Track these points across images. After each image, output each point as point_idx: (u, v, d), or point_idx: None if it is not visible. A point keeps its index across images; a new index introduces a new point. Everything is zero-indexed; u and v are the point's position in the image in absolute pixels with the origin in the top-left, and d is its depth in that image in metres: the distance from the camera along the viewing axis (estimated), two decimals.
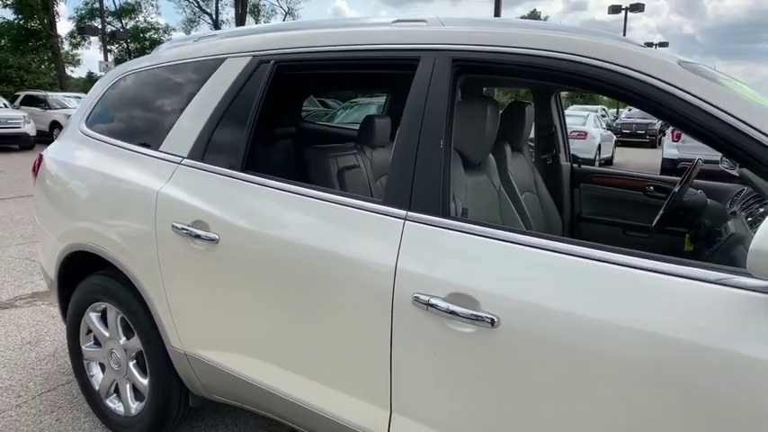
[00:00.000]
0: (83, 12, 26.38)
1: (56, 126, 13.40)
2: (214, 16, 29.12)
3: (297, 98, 2.99)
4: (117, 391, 2.11)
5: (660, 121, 15.45)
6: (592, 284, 1.08)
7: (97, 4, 23.10)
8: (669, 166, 9.41)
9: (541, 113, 2.54)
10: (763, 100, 1.13)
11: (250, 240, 1.54)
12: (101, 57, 21.77)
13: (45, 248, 2.25)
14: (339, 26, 1.64)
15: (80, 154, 2.15)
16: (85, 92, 16.08)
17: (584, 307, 1.07)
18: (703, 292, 0.98)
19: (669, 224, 1.83)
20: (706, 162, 7.28)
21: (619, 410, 1.03)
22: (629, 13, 27.38)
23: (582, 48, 1.20)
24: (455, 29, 1.39)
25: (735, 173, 1.96)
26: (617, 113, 25.74)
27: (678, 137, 9.43)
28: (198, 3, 29.82)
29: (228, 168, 1.67)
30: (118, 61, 21.46)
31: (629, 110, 27.23)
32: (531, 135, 2.65)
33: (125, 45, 26.46)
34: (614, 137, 13.55)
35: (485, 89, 2.75)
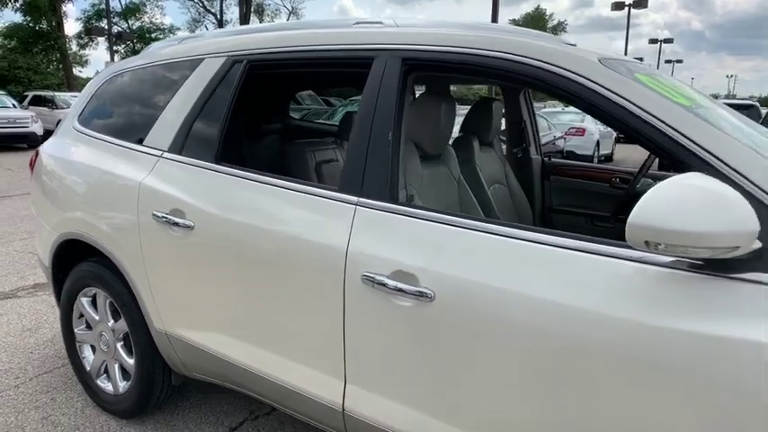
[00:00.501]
0: (90, 13, 26.73)
1: None
2: (219, 16, 29.35)
3: (282, 96, 3.12)
4: (107, 371, 2.25)
5: None
6: (521, 262, 1.19)
7: (104, 5, 23.40)
8: (666, 161, 9.46)
9: (511, 109, 2.65)
10: (679, 97, 1.23)
11: (220, 227, 1.66)
12: (108, 57, 22.03)
13: (40, 238, 2.39)
14: (304, 28, 1.76)
15: (73, 149, 2.29)
16: None
17: (513, 282, 1.18)
18: (611, 267, 1.09)
19: (625, 213, 1.94)
20: None
21: (540, 372, 1.15)
22: (635, 10, 27.32)
23: (514, 47, 1.31)
24: (405, 30, 1.51)
25: None
26: None
27: None
28: (203, 3, 30.10)
29: (203, 160, 1.80)
30: None
31: None
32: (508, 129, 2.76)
33: (131, 45, 26.75)
34: (614, 134, 13.56)
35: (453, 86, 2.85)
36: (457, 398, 1.28)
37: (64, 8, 24.91)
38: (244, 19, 29.55)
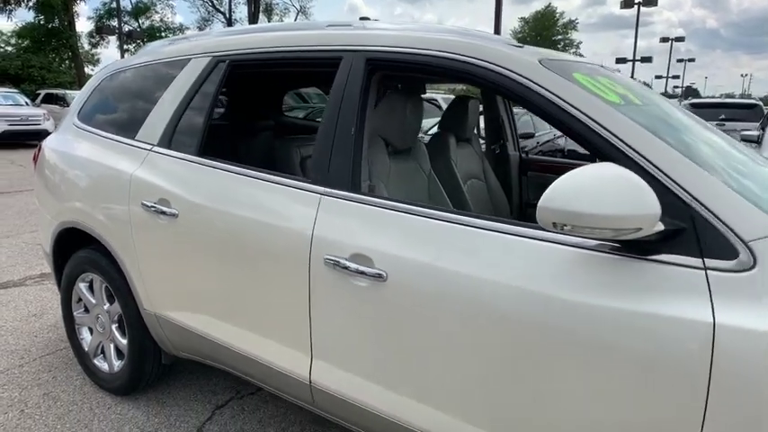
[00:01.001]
0: (101, 12, 27.12)
1: None
2: (228, 15, 29.60)
3: (272, 95, 3.25)
4: (103, 351, 2.40)
5: None
6: (465, 245, 1.31)
7: (115, 5, 23.75)
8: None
9: (489, 107, 2.76)
10: (611, 95, 1.34)
11: (201, 215, 1.80)
12: (119, 56, 22.35)
13: (42, 227, 2.55)
14: (282, 30, 1.89)
15: (72, 144, 2.44)
16: None
17: (456, 263, 1.30)
18: (546, 250, 1.20)
19: None
20: None
21: (480, 345, 1.26)
22: (647, 8, 27.14)
23: (463, 48, 1.43)
24: (368, 32, 1.63)
25: None
26: None
27: None
28: (212, 2, 30.39)
29: (188, 153, 1.94)
30: None
31: None
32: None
33: (142, 44, 27.14)
34: None
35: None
36: (408, 370, 1.40)
37: (76, 7, 25.33)
38: (252, 18, 29.79)
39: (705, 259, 1.05)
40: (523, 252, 1.23)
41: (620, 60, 28.35)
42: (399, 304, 1.37)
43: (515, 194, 2.76)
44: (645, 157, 1.14)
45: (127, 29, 25.33)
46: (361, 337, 1.47)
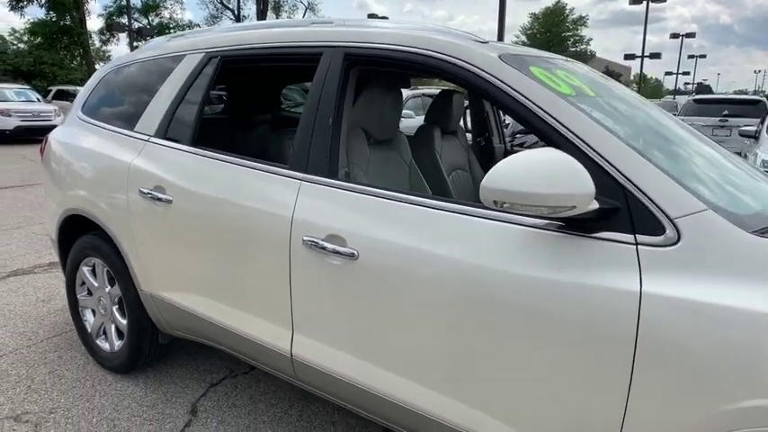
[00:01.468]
0: (111, 9, 27.47)
1: None
2: (236, 12, 29.79)
3: (269, 90, 3.37)
4: (104, 332, 2.54)
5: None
6: (430, 227, 1.42)
7: (125, 2, 24.00)
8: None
9: (474, 101, 2.85)
10: (564, 87, 1.44)
11: (193, 200, 1.93)
12: (129, 52, 22.57)
13: (48, 215, 2.69)
14: (270, 27, 2.01)
15: (77, 136, 2.57)
16: None
17: (422, 242, 1.41)
18: (503, 230, 1.31)
19: None
20: None
21: (444, 317, 1.37)
22: (656, 4, 26.94)
23: (430, 44, 1.53)
24: (346, 29, 1.74)
25: None
26: None
27: None
28: None
29: (182, 143, 2.06)
30: None
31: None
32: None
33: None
34: None
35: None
36: (377, 342, 1.51)
37: (87, 5, 25.67)
38: (261, 15, 29.96)
39: (637, 235, 1.15)
40: (481, 231, 1.34)
41: (629, 57, 28.16)
42: (369, 281, 1.49)
43: None
44: (586, 143, 1.24)
45: (137, 26, 25.61)
46: (336, 312, 1.59)
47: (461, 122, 3.04)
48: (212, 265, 1.91)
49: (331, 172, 1.65)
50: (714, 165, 1.56)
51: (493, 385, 1.32)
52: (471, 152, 2.78)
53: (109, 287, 2.44)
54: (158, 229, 2.06)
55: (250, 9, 33.38)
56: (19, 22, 30.69)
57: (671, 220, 1.12)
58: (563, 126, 1.27)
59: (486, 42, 1.57)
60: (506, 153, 2.88)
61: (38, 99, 14.45)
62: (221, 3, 30.78)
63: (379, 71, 2.32)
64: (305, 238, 1.60)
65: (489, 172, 1.13)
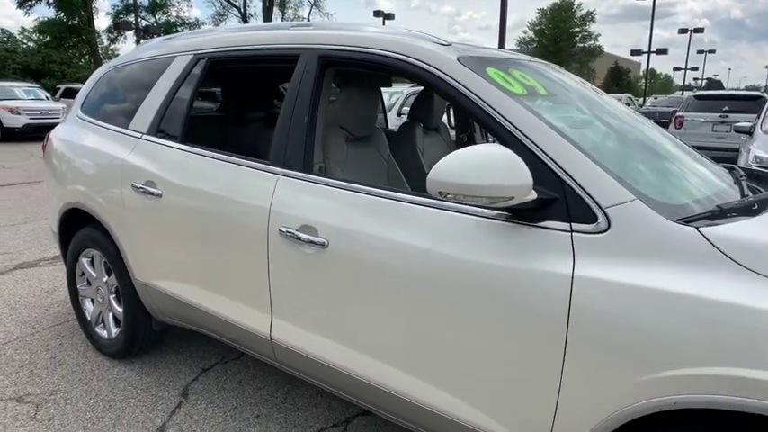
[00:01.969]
0: (119, 8, 27.74)
1: None
2: (242, 10, 29.97)
3: (260, 89, 3.49)
4: (103, 320, 2.68)
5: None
6: (393, 217, 1.53)
7: (132, 0, 24.26)
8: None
9: None
10: (517, 87, 1.54)
11: (180, 194, 2.05)
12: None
13: (50, 209, 2.83)
14: (254, 30, 2.12)
15: (76, 134, 2.71)
16: None
17: (385, 231, 1.52)
18: (457, 220, 1.41)
19: None
20: (705, 149, 7.43)
21: (406, 300, 1.48)
22: None
23: (394, 46, 1.64)
24: (321, 32, 1.85)
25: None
26: (642, 102, 25.28)
27: (680, 125, 9.50)
28: None
29: (172, 141, 2.19)
30: None
31: (655, 98, 26.68)
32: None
33: None
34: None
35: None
36: (349, 325, 1.63)
37: (94, 4, 25.97)
38: (267, 12, 30.11)
39: (572, 224, 1.25)
40: (440, 221, 1.44)
41: (635, 53, 27.99)
42: (338, 268, 1.60)
43: None
44: (529, 139, 1.34)
45: (144, 24, 25.86)
46: (309, 298, 1.70)
47: (446, 120, 3.14)
48: (199, 255, 2.03)
49: (306, 167, 1.76)
50: (659, 157, 1.66)
51: (448, 363, 1.43)
52: (454, 148, 2.88)
53: (106, 277, 2.58)
54: (150, 222, 2.19)
55: (256, 6, 33.60)
56: (27, 20, 31.11)
57: (602, 210, 1.23)
58: (510, 123, 1.38)
59: (449, 45, 1.67)
60: None
61: (46, 97, 14.69)
62: (227, 0, 30.98)
63: (355, 72, 2.43)
64: (281, 229, 1.71)
65: (435, 165, 1.24)
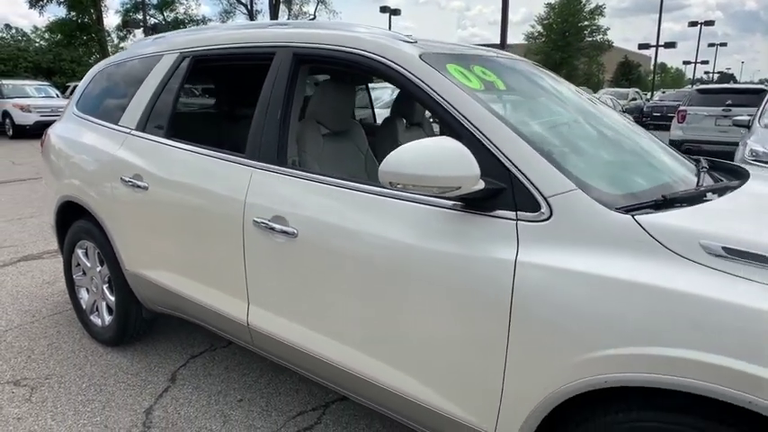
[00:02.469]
0: (128, 6, 28.02)
1: None
2: (249, 6, 30.11)
3: (250, 86, 3.58)
4: (97, 308, 2.79)
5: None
6: (357, 207, 1.60)
7: None
8: (675, 147, 9.46)
9: None
10: (474, 83, 1.60)
11: (164, 186, 2.14)
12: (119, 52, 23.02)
13: (47, 202, 2.94)
14: (234, 29, 2.20)
15: (71, 130, 2.81)
16: None
17: (350, 221, 1.60)
18: (413, 209, 1.48)
19: None
20: (708, 143, 7.46)
21: (368, 285, 1.55)
22: None
23: (359, 43, 1.71)
24: (294, 31, 1.93)
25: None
26: (651, 96, 25.05)
27: (683, 119, 9.45)
28: None
29: (158, 136, 2.28)
30: None
31: (663, 92, 26.42)
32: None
33: None
34: (631, 120, 13.46)
35: None
36: (318, 310, 1.71)
37: (104, 2, 26.27)
38: (273, 9, 30.21)
39: (518, 212, 1.32)
40: (400, 211, 1.51)
41: (643, 46, 27.71)
42: (306, 256, 1.68)
43: None
44: (481, 132, 1.40)
45: (152, 22, 26.09)
46: (281, 285, 1.78)
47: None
48: (182, 245, 2.12)
49: (280, 160, 1.84)
50: (614, 148, 1.71)
51: (405, 345, 1.51)
52: None
53: (99, 267, 2.68)
54: (137, 214, 2.29)
55: (263, 3, 33.75)
56: (39, 20, 31.46)
57: (545, 199, 1.29)
58: (463, 117, 1.44)
59: (415, 42, 1.74)
60: None
61: (57, 95, 14.93)
62: None
63: (329, 68, 2.50)
64: (255, 219, 1.80)
65: (387, 157, 1.31)
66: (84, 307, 2.85)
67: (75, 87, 17.05)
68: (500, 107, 1.50)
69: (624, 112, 13.85)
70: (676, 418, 1.11)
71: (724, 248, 1.12)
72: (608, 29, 45.93)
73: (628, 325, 1.13)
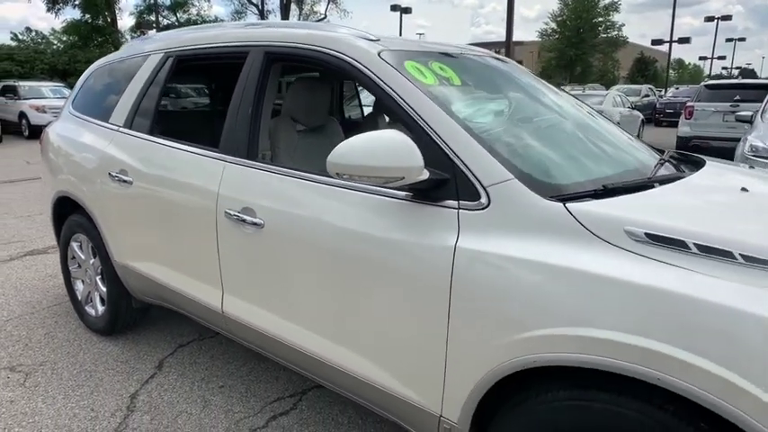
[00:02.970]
0: (141, 8, 28.44)
1: None
2: (260, 6, 30.35)
3: (232, 85, 3.68)
4: (91, 299, 2.90)
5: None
6: (321, 199, 1.67)
7: (153, 0, 24.85)
8: (682, 143, 9.37)
9: None
10: (429, 78, 1.65)
11: (146, 180, 2.24)
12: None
13: (45, 198, 3.07)
14: (214, 29, 2.29)
15: (66, 128, 2.93)
16: None
17: (312, 211, 1.67)
18: (369, 199, 1.55)
19: None
20: (715, 139, 7.39)
21: (329, 272, 1.62)
22: None
23: (323, 41, 1.77)
24: (266, 30, 2.01)
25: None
26: (664, 92, 24.70)
27: (690, 115, 9.34)
28: None
29: (143, 133, 2.37)
30: None
31: (677, 88, 26.02)
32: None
33: None
34: (641, 116, 13.33)
35: None
36: (283, 297, 1.78)
37: (118, 4, 26.72)
38: (285, 9, 30.42)
39: (460, 201, 1.38)
40: (356, 202, 1.58)
41: (657, 42, 27.32)
42: (272, 246, 1.76)
43: None
44: (428, 125, 1.46)
45: (165, 23, 26.47)
46: (250, 273, 1.87)
47: None
48: (163, 237, 2.22)
49: (250, 154, 1.92)
50: (565, 140, 1.76)
51: (360, 330, 1.57)
52: None
53: (93, 259, 2.79)
54: (124, 207, 2.39)
55: (274, 2, 33.93)
56: (56, 22, 32.24)
57: (484, 188, 1.35)
58: (414, 111, 1.50)
59: (377, 40, 1.80)
60: None
61: None
62: None
63: (298, 66, 2.58)
64: (227, 211, 1.88)
65: (334, 149, 1.38)
66: (79, 298, 2.97)
67: None
68: (451, 102, 1.56)
69: (633, 108, 13.71)
70: (599, 395, 1.16)
71: (646, 234, 1.17)
72: (623, 25, 45.34)
73: (554, 307, 1.18)
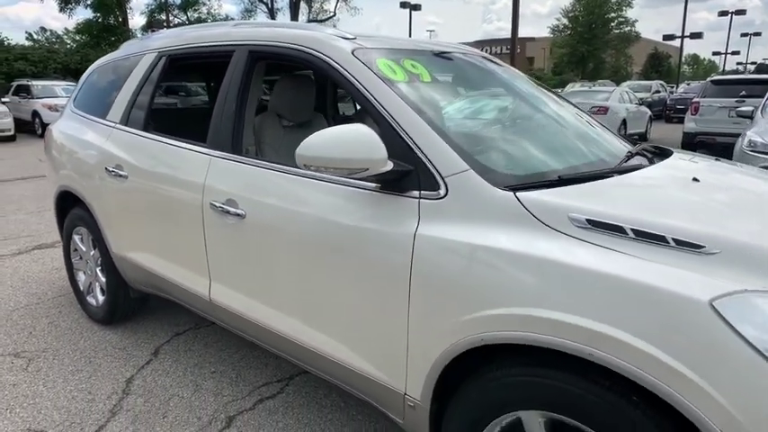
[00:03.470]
0: (152, 7, 28.79)
1: None
2: (270, 5, 30.54)
3: (219, 82, 3.78)
4: (92, 290, 3.03)
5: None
6: (299, 190, 1.76)
7: None
8: (688, 140, 9.32)
9: None
10: (400, 75, 1.73)
11: (139, 174, 2.35)
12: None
13: (50, 192, 3.20)
14: (203, 29, 2.39)
15: (68, 125, 3.05)
16: None
17: (291, 203, 1.76)
18: (341, 191, 1.63)
19: None
20: (721, 135, 7.39)
21: (305, 260, 1.71)
22: None
23: (300, 39, 1.86)
24: (249, 29, 2.10)
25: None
26: (675, 88, 24.42)
27: (696, 110, 9.29)
28: None
29: (137, 129, 2.48)
30: None
31: (688, 84, 25.72)
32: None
33: None
34: (648, 112, 13.23)
35: None
36: (264, 284, 1.88)
37: (129, 4, 27.08)
38: (294, 7, 30.58)
39: (421, 191, 1.46)
40: (330, 193, 1.67)
41: (668, 37, 27.00)
42: (252, 235, 1.85)
43: None
44: (394, 119, 1.54)
45: (176, 22, 26.76)
46: (233, 262, 1.96)
47: None
48: (156, 229, 2.33)
49: (235, 149, 2.01)
50: (529, 132, 1.83)
51: (331, 313, 1.66)
52: None
53: (93, 251, 2.92)
54: (120, 200, 2.50)
55: (284, 0, 34.11)
56: (69, 22, 32.78)
57: (443, 179, 1.43)
58: (381, 106, 1.59)
59: (353, 38, 1.88)
60: None
61: None
62: None
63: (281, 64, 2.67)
64: (212, 202, 1.98)
65: (302, 142, 1.46)
66: (81, 288, 3.09)
67: None
68: (423, 97, 1.64)
69: (641, 104, 13.61)
70: (543, 372, 1.24)
71: (588, 220, 1.24)
72: (636, 20, 44.83)
73: (503, 288, 1.26)
